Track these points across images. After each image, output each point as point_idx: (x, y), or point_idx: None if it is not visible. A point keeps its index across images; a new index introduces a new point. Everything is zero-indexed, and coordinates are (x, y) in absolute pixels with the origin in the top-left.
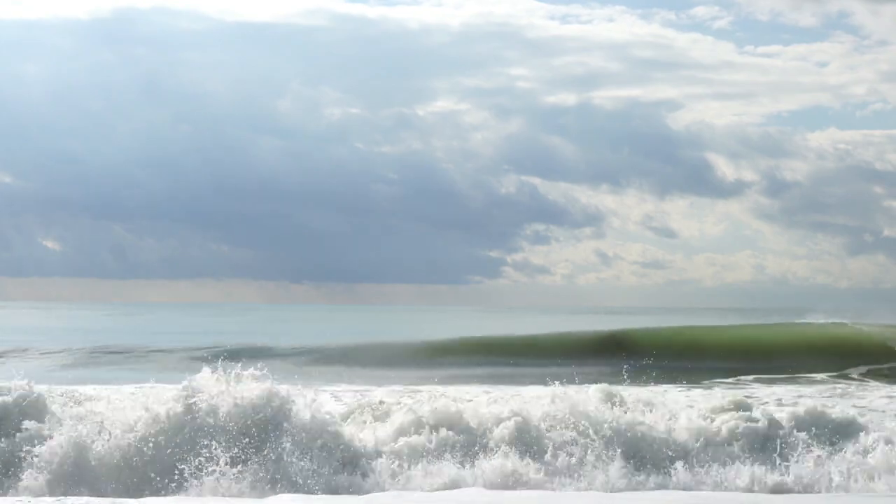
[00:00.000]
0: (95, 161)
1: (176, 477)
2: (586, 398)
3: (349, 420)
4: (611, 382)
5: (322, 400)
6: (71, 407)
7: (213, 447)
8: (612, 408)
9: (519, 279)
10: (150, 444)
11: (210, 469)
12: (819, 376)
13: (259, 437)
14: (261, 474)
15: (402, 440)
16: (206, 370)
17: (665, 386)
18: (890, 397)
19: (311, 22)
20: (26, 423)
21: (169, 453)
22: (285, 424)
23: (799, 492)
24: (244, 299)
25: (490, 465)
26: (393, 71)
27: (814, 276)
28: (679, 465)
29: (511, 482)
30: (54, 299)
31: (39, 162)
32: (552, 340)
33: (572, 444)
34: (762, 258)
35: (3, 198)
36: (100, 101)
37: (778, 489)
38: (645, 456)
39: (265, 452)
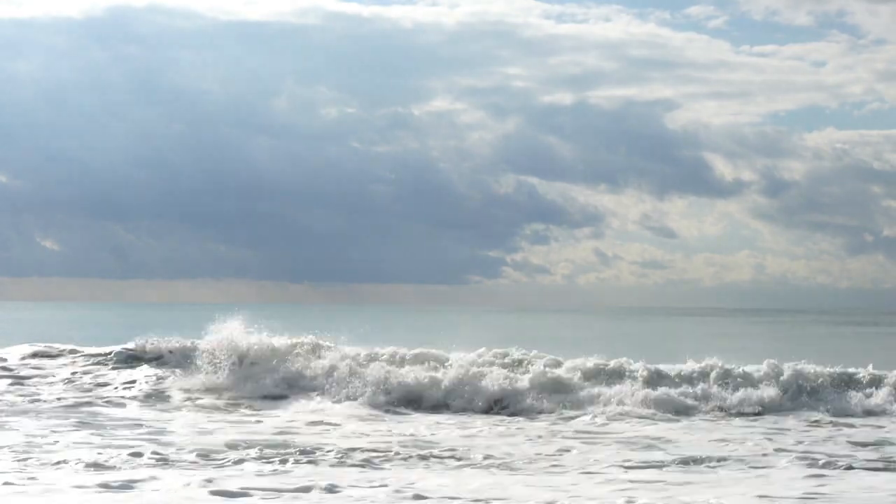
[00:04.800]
0: (90, 161)
1: None
2: None
3: None
4: None
5: None
6: None
7: None
8: None
9: (519, 279)
10: None
11: None
12: None
13: None
14: None
15: None
16: None
17: None
18: None
19: (304, 21)
20: None
21: None
22: None
23: None
24: (244, 300)
25: None
26: (388, 70)
27: (813, 276)
28: None
29: None
30: (54, 299)
31: (33, 161)
32: None
33: None
34: (761, 258)
35: None
36: (94, 100)
37: None
38: None
39: None
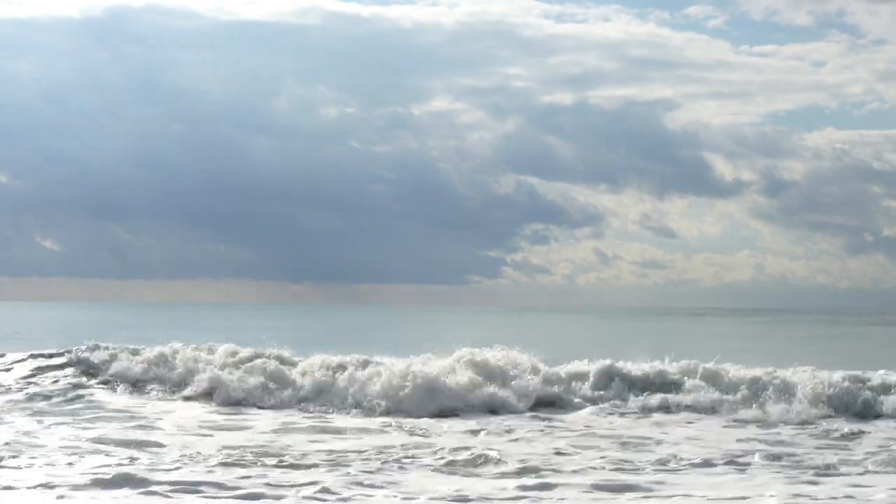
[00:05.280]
0: (90, 161)
1: None
2: None
3: None
4: None
5: None
6: None
7: None
8: None
9: (519, 279)
10: None
11: None
12: None
13: None
14: None
15: None
16: None
17: None
18: None
19: (304, 21)
20: None
21: None
22: None
23: None
24: (244, 299)
25: None
26: (387, 70)
27: (813, 276)
28: None
29: None
30: (54, 299)
31: (33, 161)
32: None
33: None
34: (761, 258)
35: None
36: (93, 100)
37: None
38: None
39: None
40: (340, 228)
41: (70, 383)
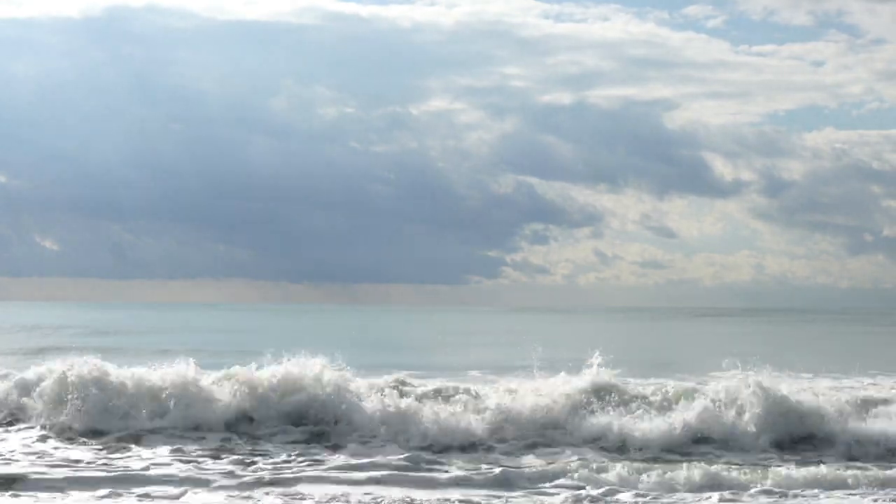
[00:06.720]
0: (89, 160)
1: None
2: None
3: None
4: None
5: None
6: None
7: None
8: None
9: (519, 279)
10: None
11: None
12: None
13: None
14: None
15: None
16: None
17: None
18: None
19: (302, 20)
20: None
21: None
22: None
23: None
24: (244, 299)
25: None
26: (386, 70)
27: (814, 276)
28: None
29: None
30: (54, 299)
31: (32, 161)
32: None
33: None
34: (761, 258)
35: None
36: (92, 99)
37: None
38: None
39: None
40: (340, 228)
41: None
